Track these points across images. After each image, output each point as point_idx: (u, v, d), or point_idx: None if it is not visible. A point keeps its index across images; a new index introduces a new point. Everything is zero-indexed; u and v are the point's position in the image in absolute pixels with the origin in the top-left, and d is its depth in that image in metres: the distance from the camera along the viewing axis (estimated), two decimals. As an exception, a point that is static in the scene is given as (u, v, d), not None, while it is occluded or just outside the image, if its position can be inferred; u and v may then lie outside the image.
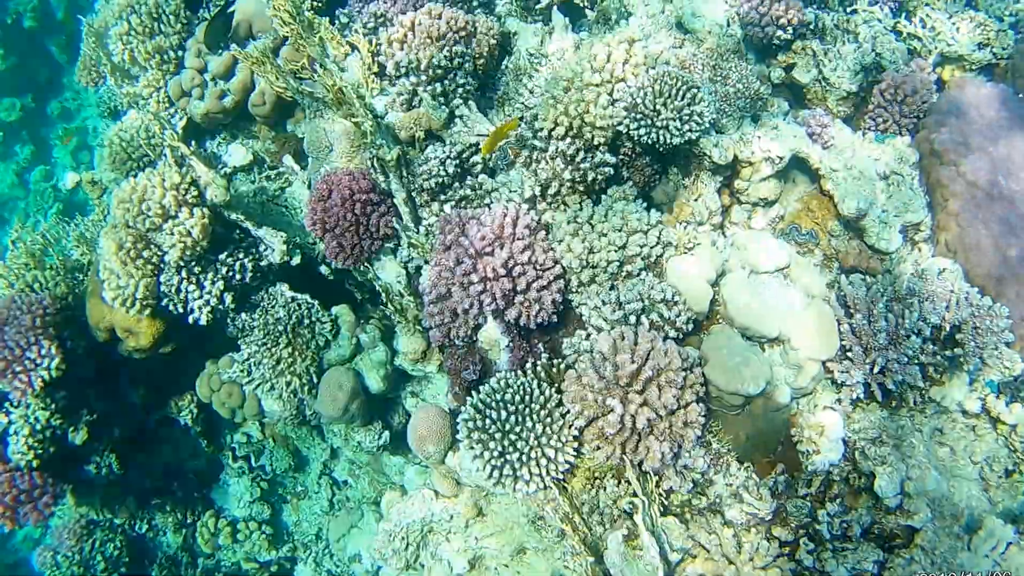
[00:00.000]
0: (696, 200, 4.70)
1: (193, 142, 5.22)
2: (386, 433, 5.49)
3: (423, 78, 4.85)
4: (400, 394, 5.54)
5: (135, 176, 5.08)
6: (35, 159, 11.76)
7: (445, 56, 4.84)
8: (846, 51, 5.21)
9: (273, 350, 5.31)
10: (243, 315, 5.38)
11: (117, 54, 5.92)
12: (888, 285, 4.28)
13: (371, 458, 5.91)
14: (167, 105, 6.03)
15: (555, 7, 5.28)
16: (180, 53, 5.92)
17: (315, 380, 5.27)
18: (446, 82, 4.89)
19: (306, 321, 5.27)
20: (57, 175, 11.65)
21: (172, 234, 4.94)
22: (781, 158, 4.62)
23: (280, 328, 5.27)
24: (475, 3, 5.76)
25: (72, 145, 11.59)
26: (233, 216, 5.18)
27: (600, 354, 3.87)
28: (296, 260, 5.33)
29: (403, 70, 4.91)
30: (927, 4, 5.94)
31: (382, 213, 4.73)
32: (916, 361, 4.14)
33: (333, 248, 4.76)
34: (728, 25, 5.21)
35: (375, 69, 5.15)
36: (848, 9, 5.85)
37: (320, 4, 6.17)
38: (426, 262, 4.71)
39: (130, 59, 5.94)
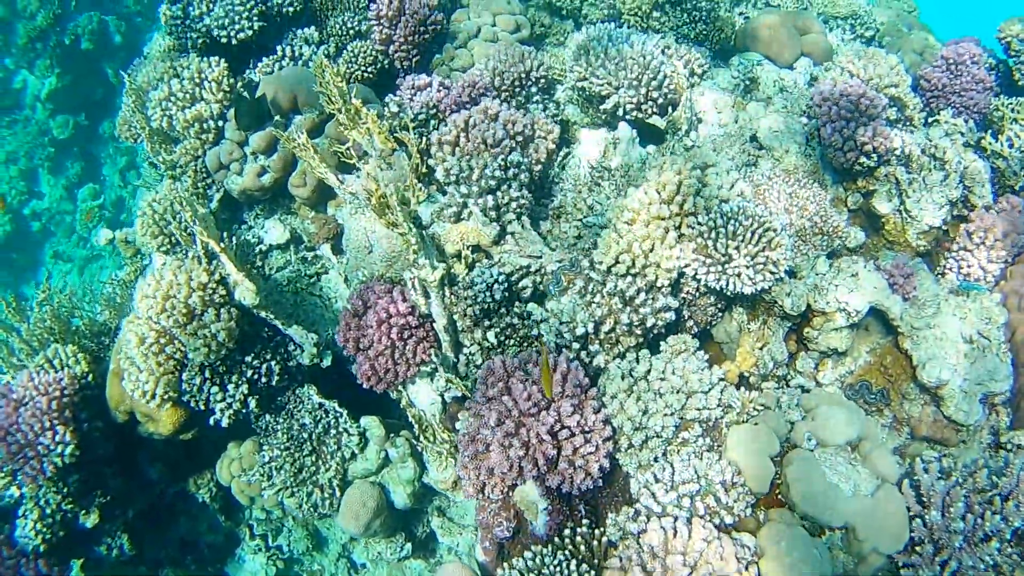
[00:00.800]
0: (761, 348, 4.12)
1: (226, 235, 4.72)
2: (408, 545, 4.99)
3: (474, 189, 4.31)
4: (426, 507, 5.02)
5: (163, 267, 4.59)
6: (85, 175, 11.41)
7: (499, 166, 4.30)
8: (932, 181, 4.60)
9: (296, 456, 4.82)
10: (267, 416, 4.88)
11: (155, 120, 5.43)
12: (968, 474, 3.68)
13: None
14: (204, 176, 5.55)
15: (621, 112, 4.72)
16: (220, 123, 5.42)
17: (338, 493, 4.77)
18: (499, 194, 4.34)
19: (332, 431, 4.77)
20: (105, 194, 11.30)
21: (196, 336, 4.44)
22: (859, 312, 4.02)
23: (305, 435, 4.78)
24: (533, 89, 5.22)
25: (120, 165, 11.24)
26: (263, 314, 4.67)
27: (649, 549, 3.31)
28: (327, 362, 4.82)
29: (453, 178, 4.37)
30: (1016, 121, 5.29)
31: (420, 338, 4.21)
32: (994, 568, 3.54)
33: (365, 371, 4.25)
34: (807, 143, 4.61)
35: (423, 170, 4.61)
36: (929, 119, 5.23)
37: (372, 75, 5.67)
38: (464, 396, 4.18)
39: (168, 126, 5.45)
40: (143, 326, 4.67)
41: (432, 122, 4.80)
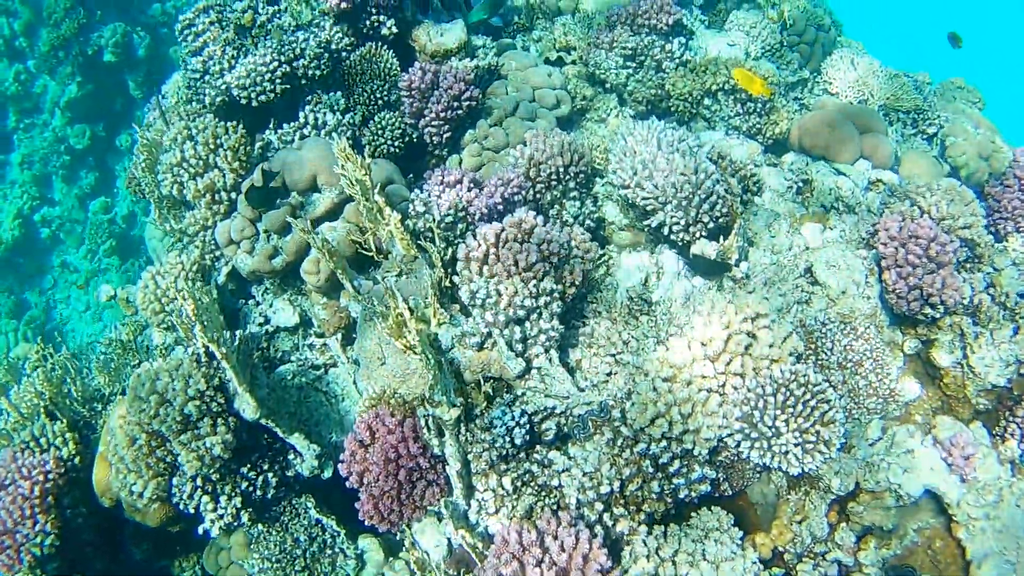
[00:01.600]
0: (800, 523, 3.71)
1: (228, 334, 4.33)
2: (402, 671, 4.59)
3: (500, 318, 3.91)
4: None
5: (158, 369, 4.21)
6: (98, 187, 11.05)
7: (530, 294, 3.90)
8: (1001, 337, 4.16)
9: (288, 572, 4.43)
10: (260, 526, 4.50)
11: (166, 185, 5.05)
12: None
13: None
14: (212, 247, 5.16)
15: (666, 232, 4.31)
16: (234, 195, 5.03)
17: (329, 617, 4.39)
18: (527, 325, 3.94)
19: (328, 551, 4.39)
20: (117, 208, 10.94)
21: (189, 447, 4.06)
22: (912, 496, 3.61)
23: (299, 551, 4.40)
24: (571, 184, 4.82)
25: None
26: (264, 422, 4.29)
27: None
28: (328, 473, 4.44)
29: (479, 302, 3.96)
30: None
31: (430, 481, 3.83)
32: None
33: (368, 509, 3.87)
34: (866, 283, 4.19)
35: (447, 282, 4.21)
36: (1000, 244, 4.80)
37: (399, 148, 5.27)
38: (472, 547, 3.79)
39: (179, 193, 5.07)
40: (134, 426, 4.30)
41: (460, 226, 4.39)
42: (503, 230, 4.12)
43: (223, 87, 5.34)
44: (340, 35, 5.51)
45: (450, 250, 4.31)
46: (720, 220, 4.34)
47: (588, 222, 5.02)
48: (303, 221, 4.87)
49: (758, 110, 5.60)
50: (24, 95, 11.00)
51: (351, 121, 5.41)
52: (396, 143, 5.37)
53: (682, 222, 4.31)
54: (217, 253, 5.20)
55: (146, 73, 10.60)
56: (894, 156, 5.55)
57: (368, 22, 5.55)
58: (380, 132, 5.35)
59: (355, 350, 4.50)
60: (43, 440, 4.97)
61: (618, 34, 6.17)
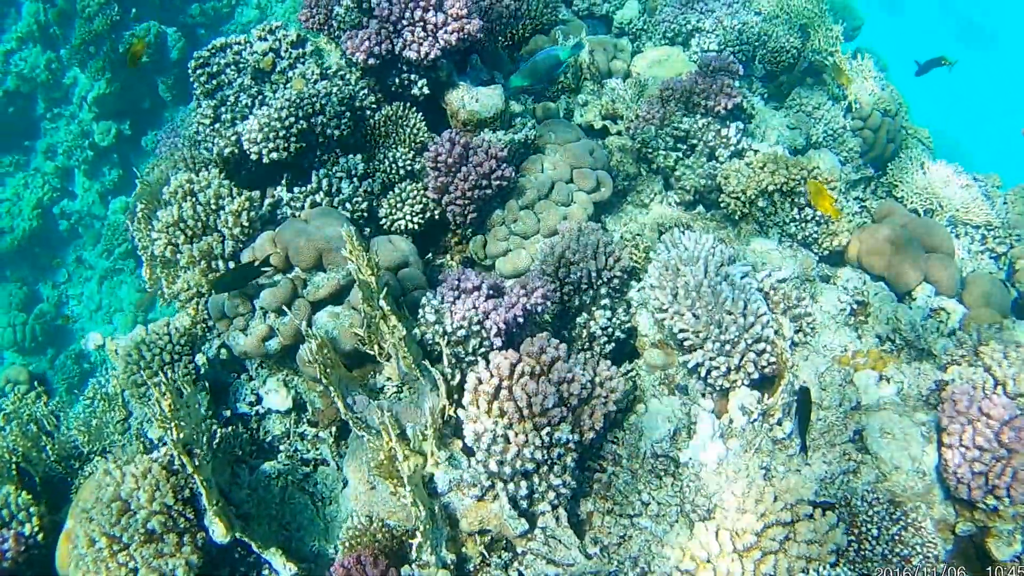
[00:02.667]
0: None
1: (205, 435, 3.83)
2: None
3: (506, 470, 3.37)
4: None
5: (124, 469, 3.74)
6: (121, 185, 10.60)
7: (542, 444, 3.36)
8: (1073, 536, 3.57)
9: None
10: (222, 646, 4.02)
11: (160, 245, 4.55)
12: None
13: None
14: (205, 315, 4.67)
15: (703, 372, 3.75)
16: (232, 264, 4.54)
17: None
18: (535, 479, 3.40)
19: None
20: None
21: (151, 567, 3.58)
22: None
23: None
24: (603, 291, 4.28)
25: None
26: (237, 535, 3.79)
27: None
28: (302, 596, 3.94)
29: (484, 446, 3.43)
30: None
31: (408, 652, 3.30)
32: None
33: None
34: (922, 454, 3.63)
35: (451, 411, 3.69)
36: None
37: (419, 224, 4.75)
38: None
39: (172, 255, 4.58)
40: (94, 527, 3.82)
41: (474, 341, 3.86)
42: (519, 361, 3.58)
43: (234, 138, 4.82)
44: (365, 91, 4.98)
45: (459, 371, 3.78)
46: (766, 369, 3.78)
47: (618, 333, 4.48)
48: (304, 303, 4.38)
49: (817, 218, 5.00)
50: (54, 84, 10.56)
51: (369, 189, 4.88)
52: (416, 219, 4.84)
53: (723, 367, 3.75)
54: (210, 323, 4.70)
55: (177, 76, 10.10)
56: (959, 281, 4.95)
57: (398, 80, 5.01)
58: (400, 205, 4.83)
59: (345, 467, 3.99)
60: (5, 512, 4.50)
61: (671, 111, 5.59)
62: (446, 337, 3.78)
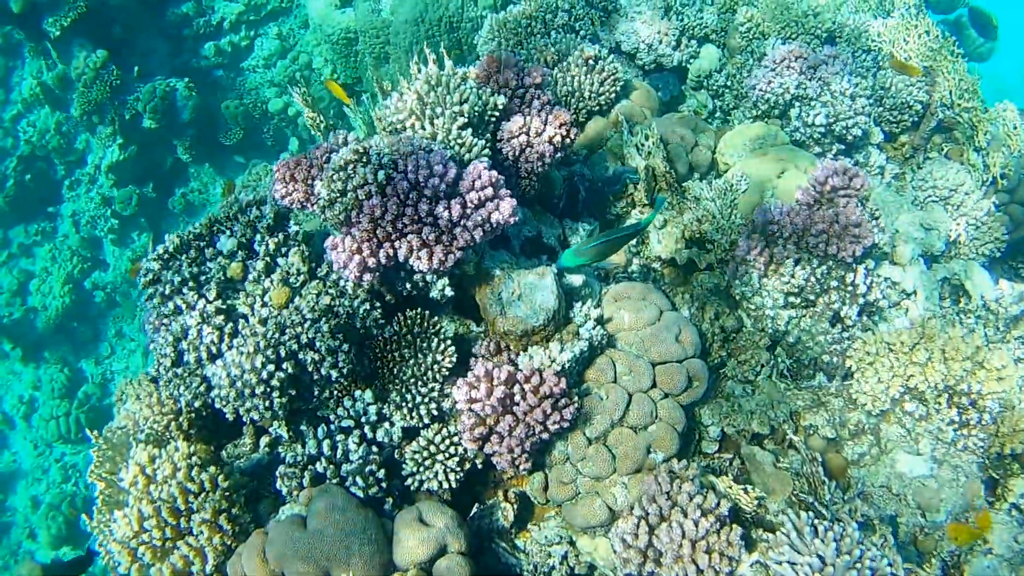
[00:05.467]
0: None
1: None
2: None
3: None
4: None
5: None
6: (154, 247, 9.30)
7: None
8: None
9: None
10: None
11: (123, 567, 3.23)
12: None
13: None
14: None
15: None
16: None
17: None
18: None
19: None
20: None
21: None
22: None
23: None
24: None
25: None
26: None
27: None
28: None
29: None
30: None
31: None
32: None
33: None
34: None
35: None
36: None
37: (454, 483, 3.33)
38: None
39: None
40: None
41: None
42: None
43: (202, 387, 3.40)
44: (367, 305, 3.47)
45: None
46: None
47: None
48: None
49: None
50: (67, 148, 9.22)
51: (386, 439, 3.42)
52: (453, 476, 3.38)
53: None
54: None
55: (193, 137, 8.63)
56: None
57: (409, 284, 3.50)
58: (428, 462, 3.36)
59: None
60: None
61: (779, 254, 3.92)
62: None
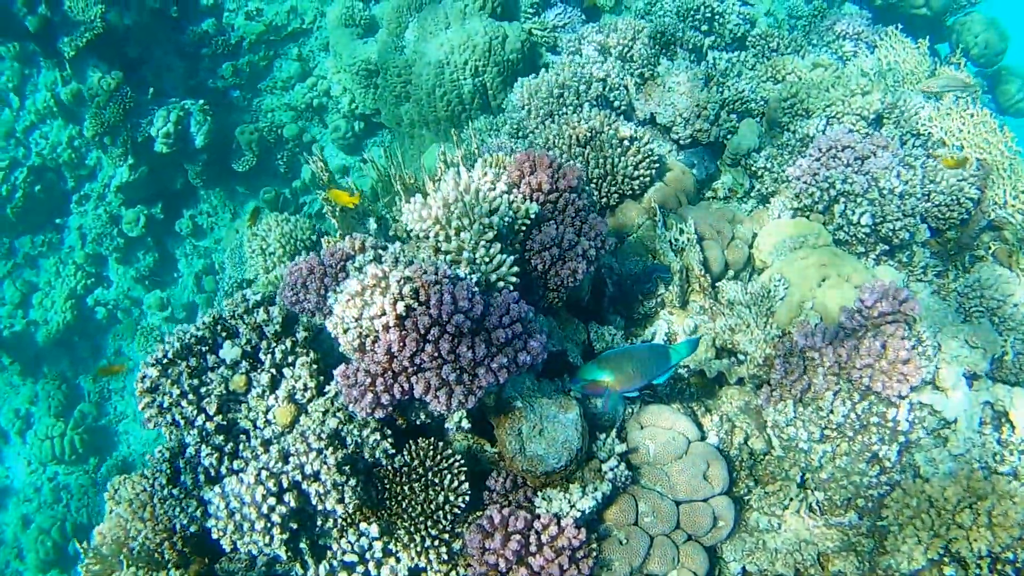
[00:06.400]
0: None
1: None
2: None
3: None
4: None
5: None
6: (158, 268, 9.07)
7: None
8: None
9: None
10: None
11: None
12: None
13: None
14: None
15: None
16: None
17: None
18: None
19: None
20: (173, 304, 8.96)
21: None
22: None
23: None
24: None
25: (196, 268, 8.90)
26: None
27: None
28: None
29: None
30: None
31: None
32: None
33: None
34: None
35: None
36: None
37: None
38: None
39: None
40: None
41: None
42: None
43: (196, 512, 3.17)
44: (378, 436, 3.23)
45: None
46: None
47: None
48: None
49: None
50: (78, 162, 8.98)
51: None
52: (460, 627, 3.15)
53: None
54: None
55: (205, 162, 8.38)
56: None
57: (423, 413, 3.25)
58: (433, 607, 3.13)
59: None
60: None
61: (818, 386, 3.68)
62: None
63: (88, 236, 8.91)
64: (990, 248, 5.01)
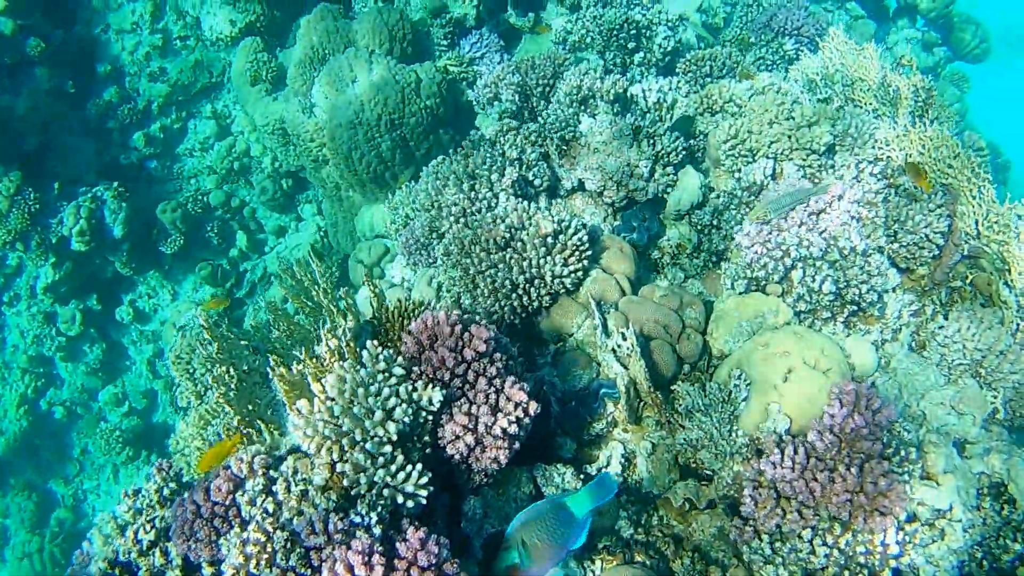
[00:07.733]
0: None
1: None
2: None
3: None
4: None
5: None
6: (107, 357, 8.59)
7: None
8: None
9: None
10: None
11: None
12: None
13: None
14: None
15: None
16: None
17: None
18: None
19: None
20: (130, 397, 8.50)
21: None
22: None
23: None
24: None
25: (147, 353, 8.42)
26: None
27: None
28: None
29: None
30: None
31: None
32: None
33: None
34: None
35: None
36: None
37: None
38: None
39: None
40: None
41: None
42: None
43: None
44: None
45: None
46: None
47: None
48: None
49: None
50: (1, 262, 8.43)
51: None
52: None
53: None
54: None
55: (128, 251, 7.83)
56: None
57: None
58: None
59: None
60: None
61: (792, 522, 3.29)
62: None
63: (27, 338, 8.44)
64: (967, 278, 4.54)
